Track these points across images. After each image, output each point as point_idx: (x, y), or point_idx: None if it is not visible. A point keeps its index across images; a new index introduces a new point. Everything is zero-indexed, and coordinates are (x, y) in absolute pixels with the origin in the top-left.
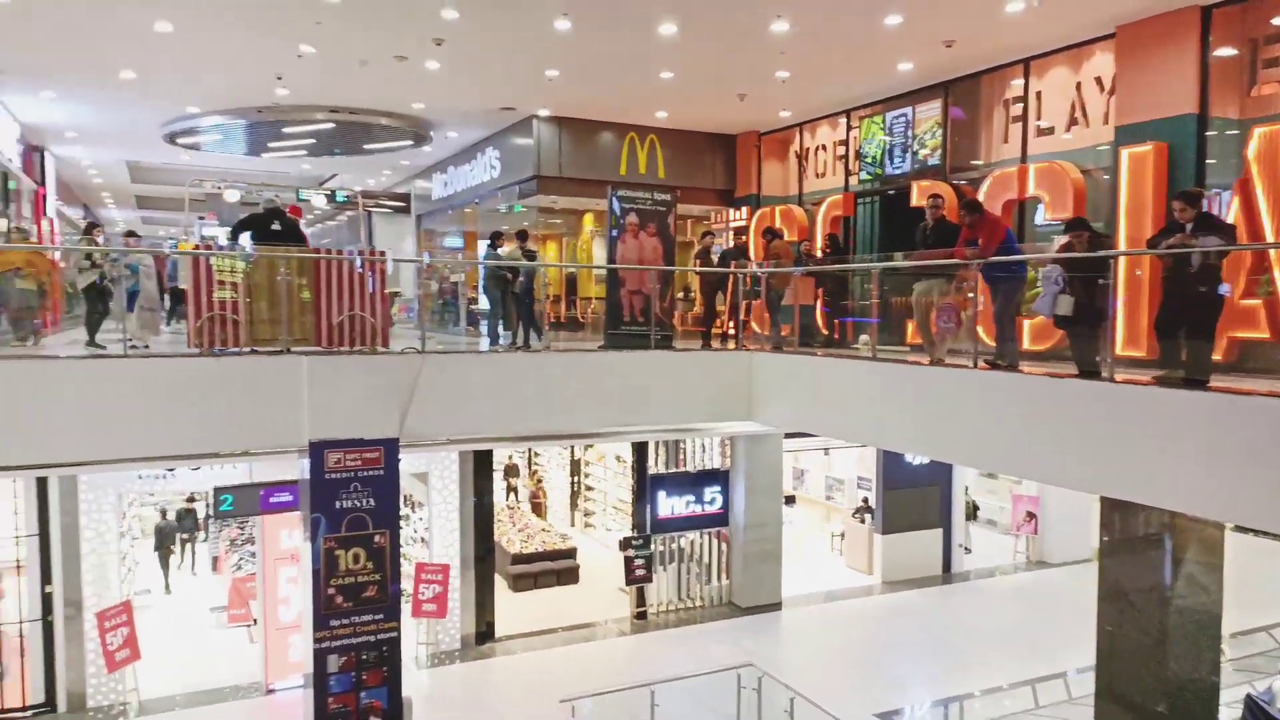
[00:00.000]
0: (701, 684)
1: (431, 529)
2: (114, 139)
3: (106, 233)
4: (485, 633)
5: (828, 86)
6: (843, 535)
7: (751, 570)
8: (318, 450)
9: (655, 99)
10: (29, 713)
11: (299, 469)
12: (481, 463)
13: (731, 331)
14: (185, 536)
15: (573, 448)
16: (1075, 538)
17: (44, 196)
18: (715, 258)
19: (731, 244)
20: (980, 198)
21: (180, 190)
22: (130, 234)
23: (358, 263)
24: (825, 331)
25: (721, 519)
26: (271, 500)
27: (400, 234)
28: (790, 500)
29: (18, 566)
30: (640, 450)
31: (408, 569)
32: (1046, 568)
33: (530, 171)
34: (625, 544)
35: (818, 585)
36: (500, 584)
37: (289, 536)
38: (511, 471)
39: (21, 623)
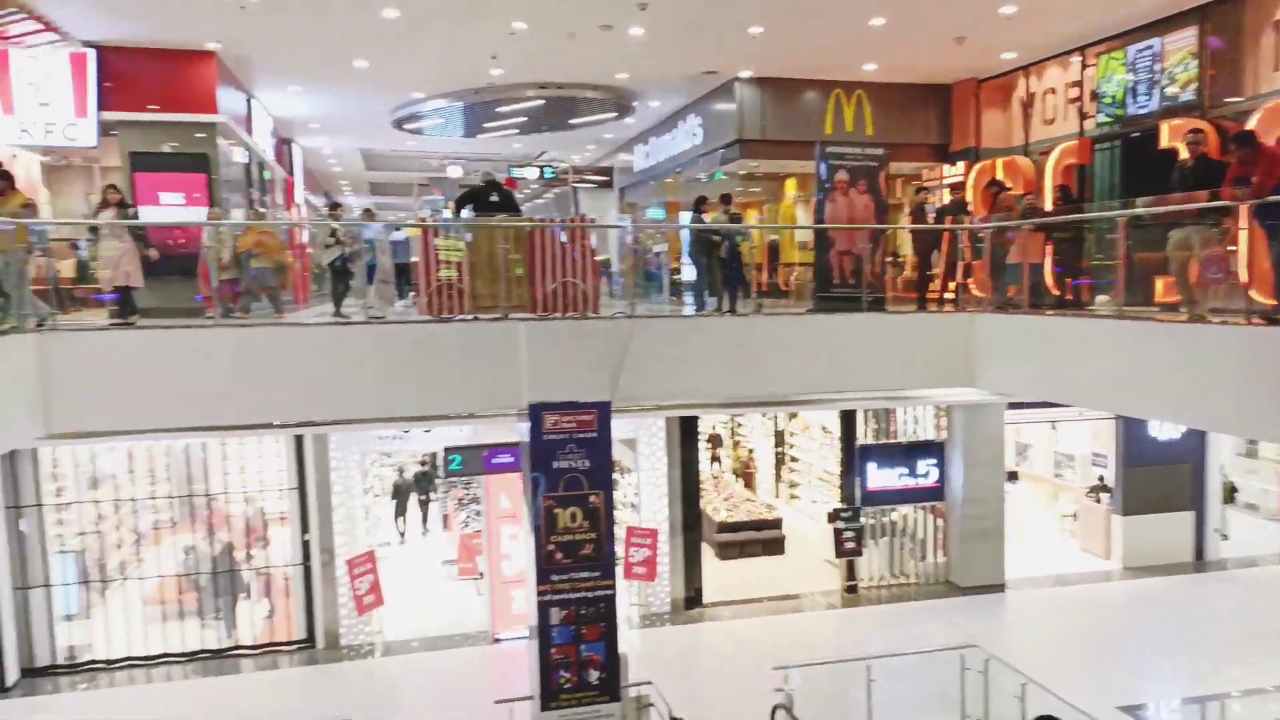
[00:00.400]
0: (919, 662)
1: (640, 494)
2: (350, 128)
3: (346, 213)
4: (693, 598)
5: (1059, 21)
6: (1075, 516)
7: (970, 548)
8: (536, 412)
9: (863, 50)
10: (293, 647)
11: (519, 432)
12: (687, 431)
13: (950, 294)
14: (422, 497)
15: (776, 417)
16: None
17: (293, 185)
18: (931, 216)
19: (948, 200)
20: None
21: (407, 175)
22: (367, 212)
23: (561, 236)
24: (1056, 291)
25: (936, 493)
26: (494, 461)
27: (604, 207)
28: (1013, 476)
29: (282, 518)
30: (848, 420)
31: (619, 533)
32: None
33: (732, 136)
34: (834, 516)
35: (1046, 568)
36: (706, 552)
37: (511, 496)
38: (715, 441)
39: (286, 567)
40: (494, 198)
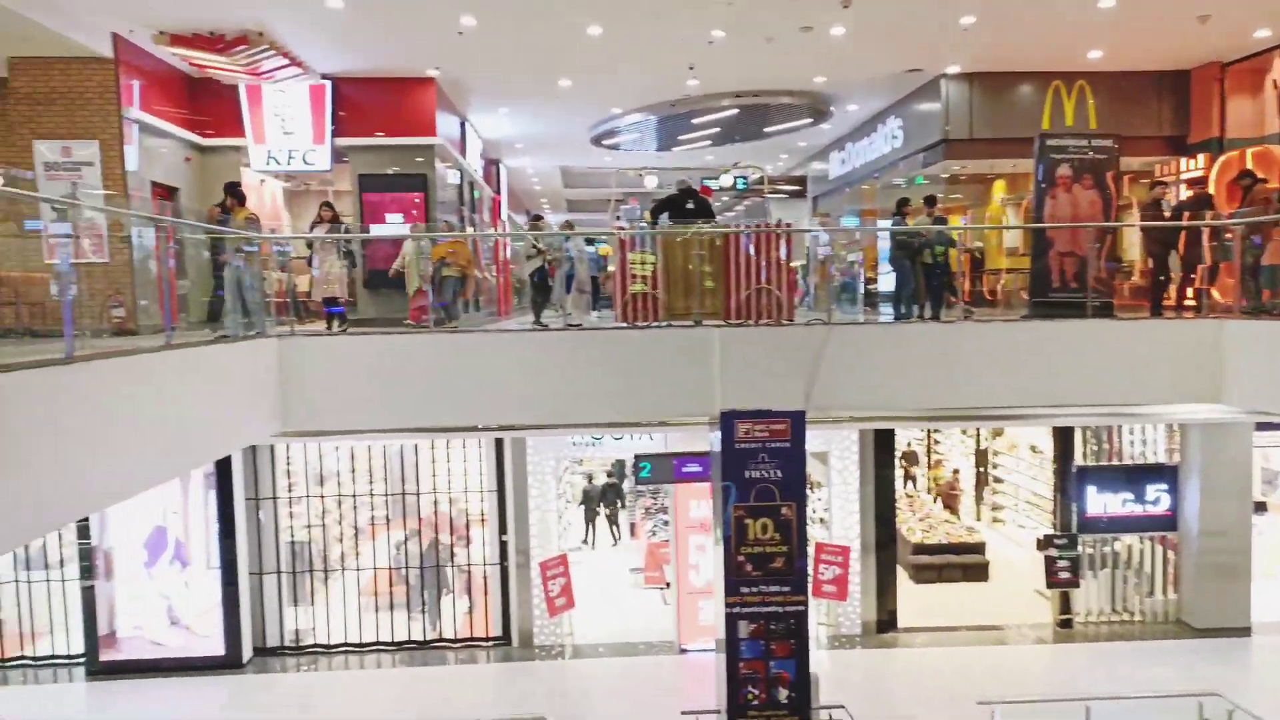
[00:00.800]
0: (1146, 708)
1: (830, 510)
2: (551, 147)
3: (545, 226)
4: (887, 621)
5: None
6: None
7: (1207, 585)
8: (728, 420)
9: (1089, 36)
10: (490, 643)
11: (709, 441)
12: (882, 446)
13: (1189, 300)
14: (608, 510)
15: (978, 434)
16: None
17: (499, 203)
18: (1167, 213)
19: (1186, 196)
20: None
21: (603, 192)
22: (567, 224)
23: (750, 248)
24: None
25: (1167, 522)
26: (683, 470)
27: (796, 217)
28: (1260, 508)
29: (482, 519)
30: (1065, 438)
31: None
32: None
33: (936, 136)
34: (1046, 542)
35: None
36: (900, 575)
37: (697, 506)
38: (910, 459)
39: (485, 566)
40: (689, 205)
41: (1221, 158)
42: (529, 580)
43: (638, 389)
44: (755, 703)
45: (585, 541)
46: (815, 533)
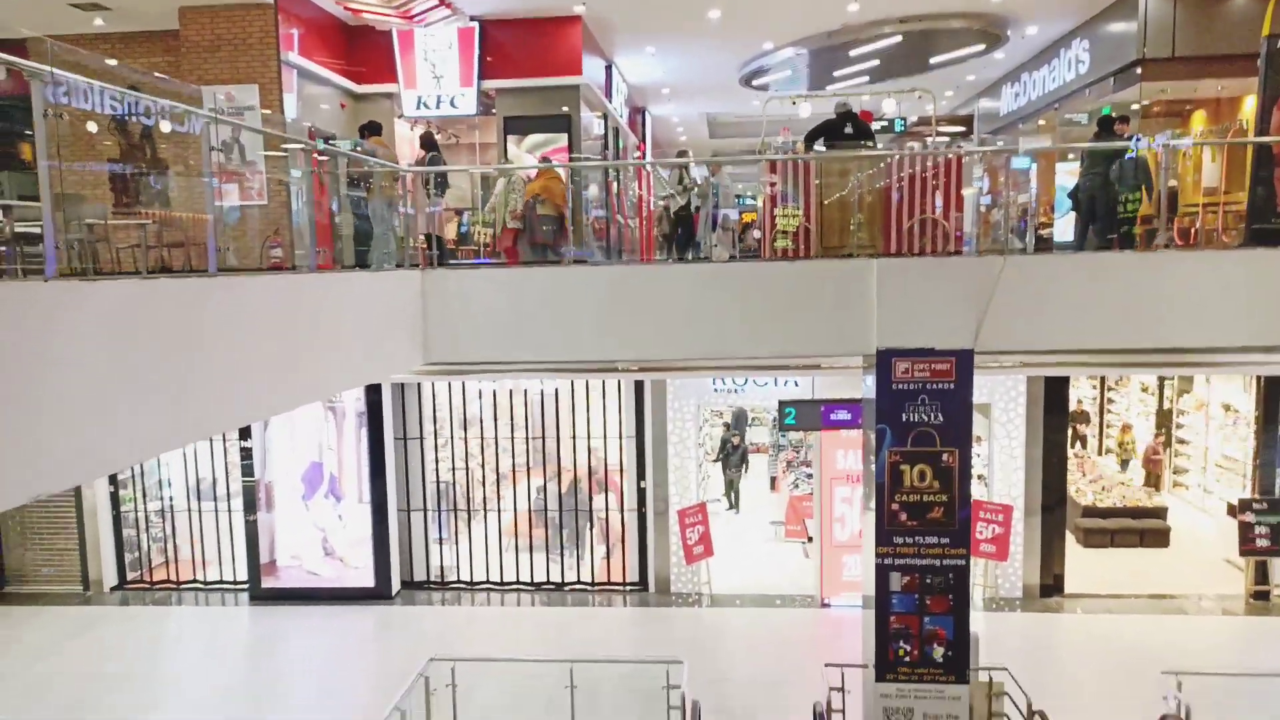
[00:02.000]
0: None
1: (991, 466)
2: (698, 90)
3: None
4: (1051, 586)
5: None
6: None
7: None
8: (885, 359)
9: None
10: (627, 588)
11: (861, 388)
12: (1052, 400)
13: None
14: (731, 474)
15: (1161, 391)
16: None
17: (644, 151)
18: None
19: None
20: None
21: (749, 141)
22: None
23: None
24: None
25: None
26: (831, 417)
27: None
28: None
29: (620, 468)
30: (1271, 392)
31: None
32: None
33: (1131, 57)
34: (1244, 506)
35: None
36: (1068, 539)
37: (844, 457)
38: (1080, 418)
39: (624, 511)
40: (848, 129)
41: None
42: (666, 528)
43: (787, 325)
44: (906, 659)
45: (726, 498)
46: (974, 490)
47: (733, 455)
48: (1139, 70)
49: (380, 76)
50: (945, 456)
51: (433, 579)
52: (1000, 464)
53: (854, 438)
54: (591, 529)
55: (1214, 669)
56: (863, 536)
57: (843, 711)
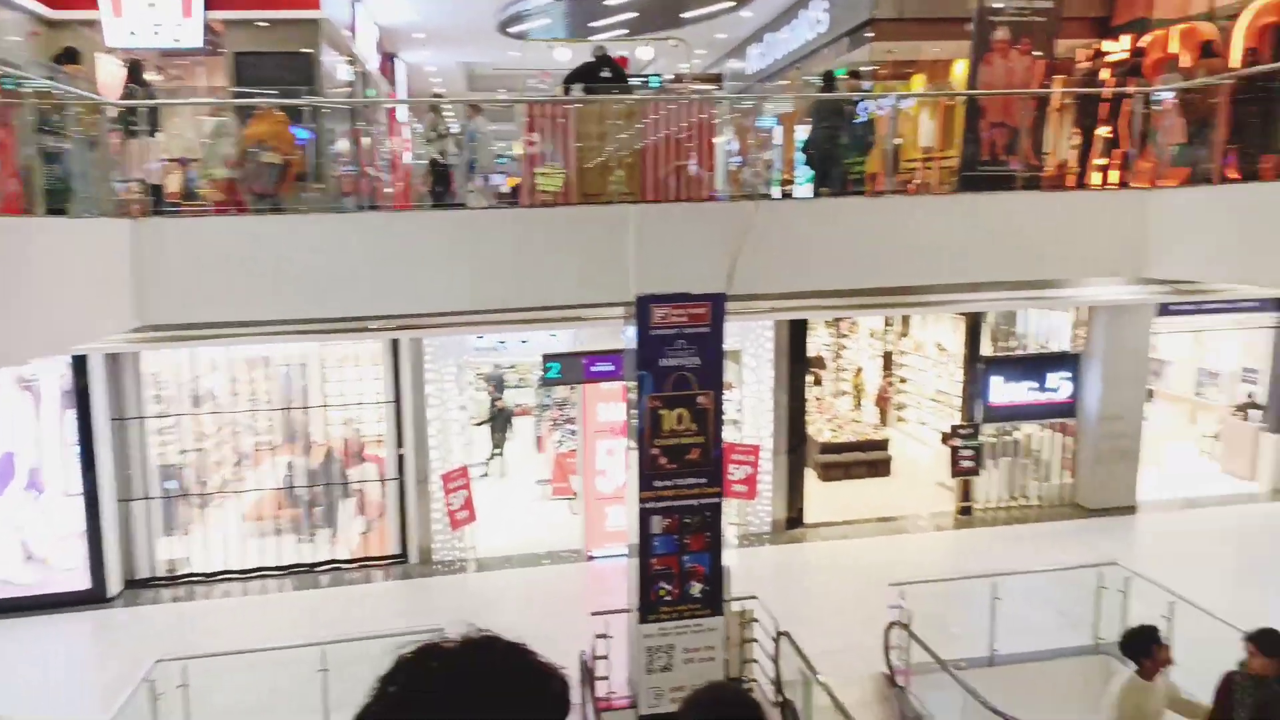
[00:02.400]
0: (1045, 583)
1: (743, 410)
2: (455, 37)
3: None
4: (795, 519)
5: None
6: (1217, 436)
7: (1102, 468)
8: (644, 305)
9: None
10: (386, 562)
11: (623, 338)
12: (794, 348)
13: (1115, 170)
14: (497, 436)
15: (886, 333)
16: None
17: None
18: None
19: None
20: None
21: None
22: (473, 106)
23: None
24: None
25: (1068, 409)
26: (593, 369)
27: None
28: (1148, 396)
29: (378, 439)
30: (973, 330)
31: None
32: None
33: (863, 17)
34: (952, 433)
35: (1182, 491)
36: (809, 474)
37: (607, 409)
38: (817, 363)
39: (381, 481)
40: (605, 73)
41: (1147, 37)
42: (428, 496)
43: (549, 274)
44: (668, 599)
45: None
46: (726, 434)
47: (497, 418)
48: (870, 31)
49: (80, 1)
50: (701, 399)
51: (161, 575)
52: (750, 407)
53: (616, 390)
54: (347, 503)
55: (931, 578)
56: (626, 487)
57: (607, 657)
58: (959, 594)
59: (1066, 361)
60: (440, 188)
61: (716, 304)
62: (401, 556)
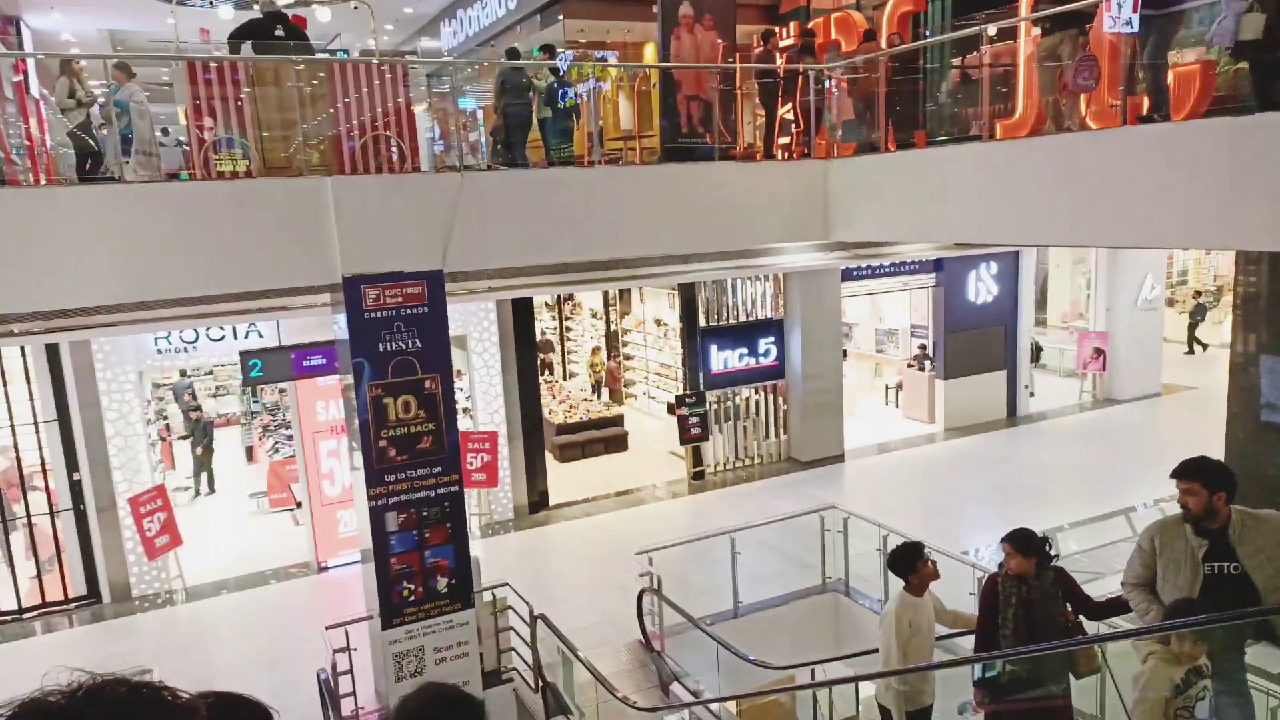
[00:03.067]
0: (774, 534)
1: (474, 397)
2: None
3: (85, 71)
4: (538, 502)
5: None
6: (899, 386)
7: (811, 423)
8: (353, 286)
9: None
10: (73, 605)
11: (334, 328)
12: (521, 332)
13: (798, 143)
14: (198, 451)
15: (608, 317)
16: (1145, 373)
17: (24, 72)
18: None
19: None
20: None
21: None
22: (122, 68)
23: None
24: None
25: (777, 371)
26: (305, 364)
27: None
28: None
29: (42, 467)
30: (689, 303)
31: None
32: (1115, 404)
33: None
34: (678, 402)
35: (876, 437)
36: (548, 458)
37: (326, 408)
38: (545, 347)
39: (55, 514)
40: (279, 31)
41: (810, 24)
42: (117, 524)
43: (240, 257)
44: (412, 599)
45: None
46: (460, 422)
47: (195, 431)
48: (560, 12)
49: None
50: (428, 383)
51: None
52: (482, 393)
53: (333, 386)
54: (8, 545)
55: (672, 542)
56: (354, 488)
57: (351, 672)
58: (700, 554)
59: (771, 328)
60: (88, 164)
61: (433, 281)
62: (91, 596)
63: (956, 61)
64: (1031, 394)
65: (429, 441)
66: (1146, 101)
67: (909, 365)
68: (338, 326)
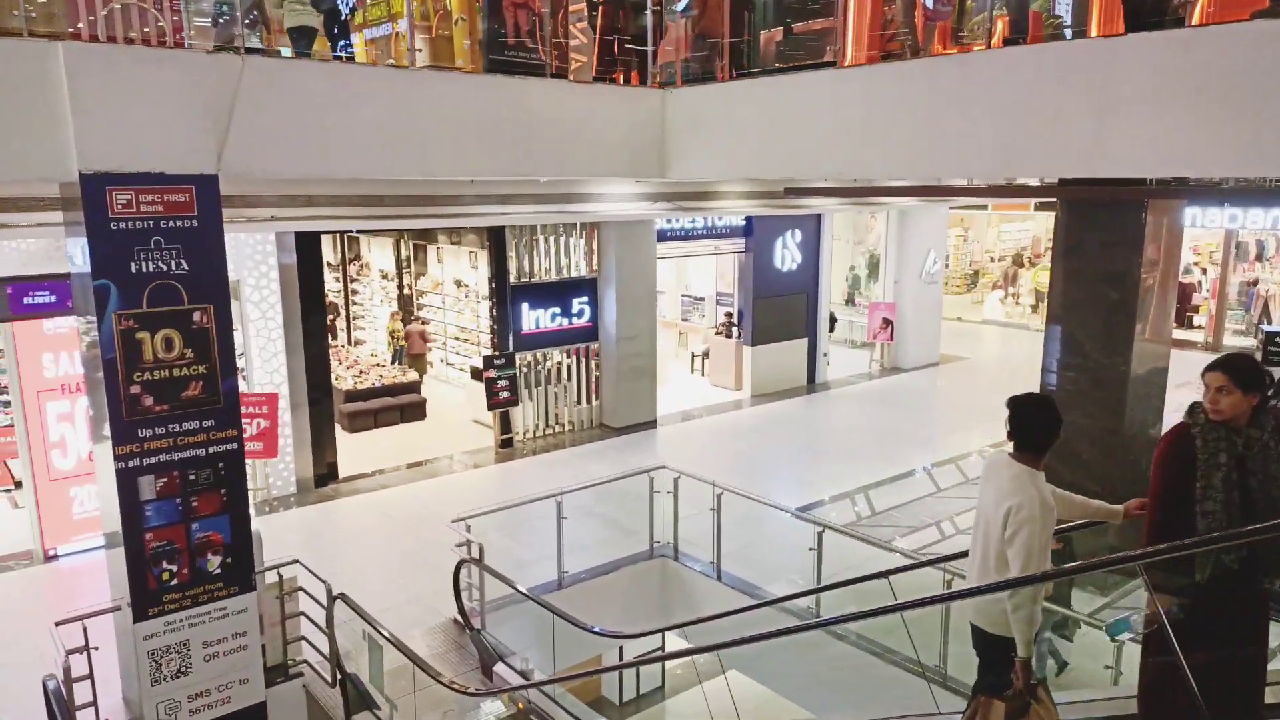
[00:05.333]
0: (595, 499)
1: (249, 354)
2: None
3: None
4: (326, 475)
5: None
6: (706, 354)
7: (625, 387)
8: (95, 186)
9: None
10: None
11: (69, 259)
12: (308, 282)
13: (632, 66)
14: None
15: (400, 279)
16: (926, 343)
17: None
18: None
19: None
20: None
21: None
22: None
23: None
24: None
25: (590, 333)
26: (26, 302)
27: None
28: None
29: None
30: (499, 257)
31: None
32: (901, 372)
33: None
34: (487, 364)
35: (686, 404)
36: (336, 427)
37: (56, 361)
38: (330, 309)
39: None
40: None
41: None
42: None
43: None
44: (174, 583)
45: None
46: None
47: None
48: None
49: None
50: (198, 315)
51: None
52: (258, 350)
53: (66, 334)
54: None
55: (492, 507)
56: (94, 458)
57: (90, 676)
58: (517, 524)
59: (585, 287)
60: None
61: (204, 188)
62: None
63: None
64: (828, 362)
65: (198, 388)
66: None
67: (716, 333)
68: (73, 254)
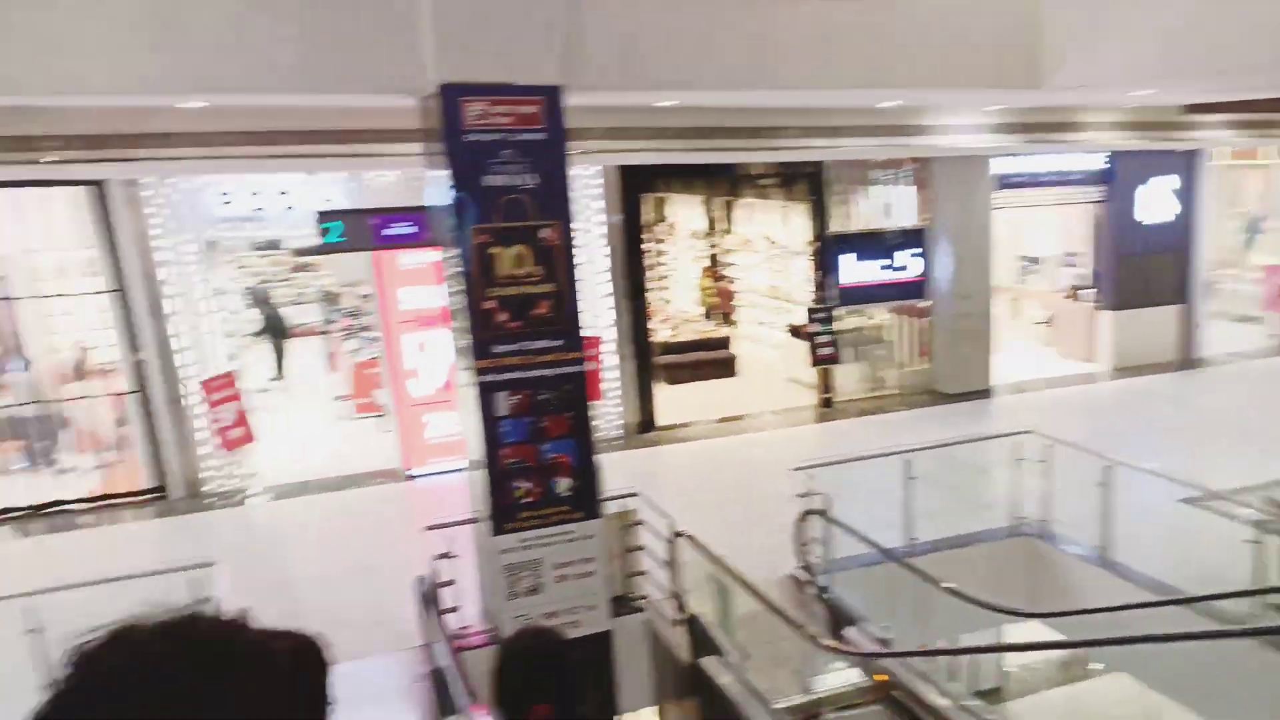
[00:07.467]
0: (936, 464)
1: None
2: None
3: None
4: (647, 422)
5: None
6: (1048, 321)
7: (957, 350)
8: (451, 97)
9: None
10: (140, 498)
11: (425, 189)
12: (630, 236)
13: None
14: (276, 341)
15: (712, 233)
16: None
17: None
18: None
19: None
20: None
21: None
22: None
23: None
24: None
25: (918, 288)
26: (385, 233)
27: None
28: None
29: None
30: (819, 205)
31: None
32: None
33: None
34: (809, 319)
35: (1026, 374)
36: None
37: (411, 295)
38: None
39: (116, 396)
40: None
41: None
42: (186, 413)
43: (304, 49)
44: (528, 500)
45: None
46: None
47: (269, 326)
48: None
49: None
50: (545, 232)
51: None
52: (589, 304)
53: (422, 270)
54: (71, 430)
55: (835, 459)
56: (451, 387)
57: (454, 583)
58: (848, 484)
59: (913, 238)
60: None
61: (551, 100)
62: (159, 490)
63: None
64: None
65: (547, 307)
66: None
67: (1065, 297)
68: (432, 178)
